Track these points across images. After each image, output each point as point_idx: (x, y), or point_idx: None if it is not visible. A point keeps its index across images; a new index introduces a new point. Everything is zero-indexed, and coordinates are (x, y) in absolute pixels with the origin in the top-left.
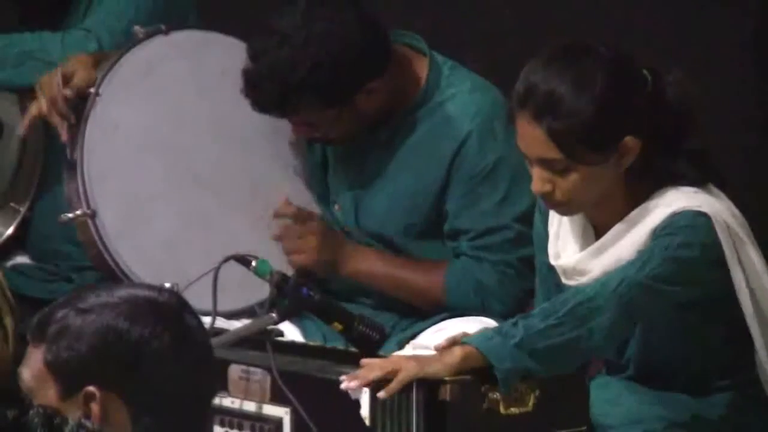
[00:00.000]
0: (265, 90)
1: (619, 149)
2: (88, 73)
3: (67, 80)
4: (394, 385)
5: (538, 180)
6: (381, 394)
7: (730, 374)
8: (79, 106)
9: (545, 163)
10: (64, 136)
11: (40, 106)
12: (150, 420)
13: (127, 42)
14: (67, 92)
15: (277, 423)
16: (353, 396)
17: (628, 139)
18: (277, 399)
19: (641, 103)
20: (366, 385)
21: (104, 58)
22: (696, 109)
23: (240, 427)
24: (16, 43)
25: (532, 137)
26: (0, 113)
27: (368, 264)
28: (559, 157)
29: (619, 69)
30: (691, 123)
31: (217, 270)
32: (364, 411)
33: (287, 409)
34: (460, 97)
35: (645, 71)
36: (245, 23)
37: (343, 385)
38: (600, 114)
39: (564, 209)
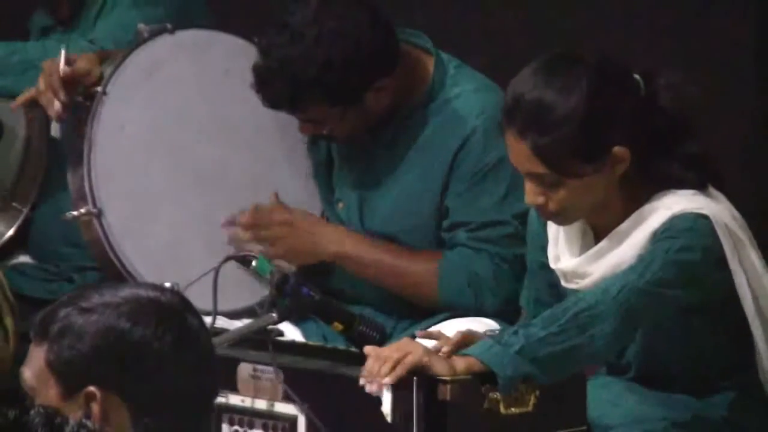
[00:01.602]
0: (275, 87)
1: (608, 159)
2: (92, 63)
3: (69, 63)
4: (399, 371)
5: (531, 193)
6: (386, 380)
7: (731, 375)
8: (85, 105)
9: (535, 177)
10: (51, 112)
11: (37, 86)
12: (150, 420)
13: (133, 41)
14: (64, 68)
15: (292, 421)
16: (375, 394)
17: (617, 149)
18: (290, 397)
19: (631, 111)
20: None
21: (109, 56)
22: (694, 110)
23: (251, 425)
24: (19, 51)
25: (519, 153)
26: (3, 116)
27: (355, 247)
28: (546, 172)
29: (604, 79)
30: (688, 126)
31: (217, 270)
32: (386, 408)
33: (303, 407)
34: (466, 96)
35: (637, 75)
36: (253, 23)
37: (366, 389)
38: (584, 128)
39: (560, 219)
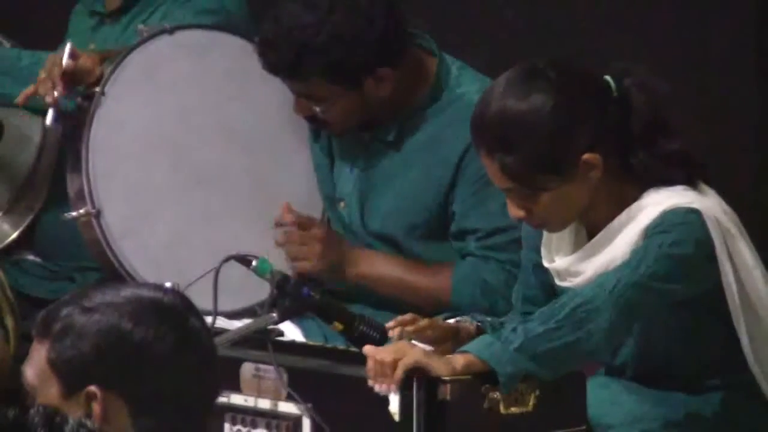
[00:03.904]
0: (281, 51)
1: (578, 168)
2: (94, 63)
3: (74, 57)
4: (398, 373)
5: (512, 208)
6: (396, 376)
7: (725, 372)
8: (84, 105)
9: (511, 192)
10: (48, 99)
11: (39, 77)
12: (151, 421)
13: (132, 41)
14: (68, 62)
15: (295, 420)
16: (384, 394)
17: (587, 157)
18: (293, 396)
19: (599, 116)
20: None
21: (110, 54)
22: (665, 106)
23: (254, 425)
24: (43, 62)
25: (491, 171)
26: (20, 123)
27: (374, 268)
28: (517, 187)
29: (566, 90)
30: (665, 123)
31: (217, 270)
32: (394, 408)
33: (306, 406)
34: (469, 97)
35: (608, 77)
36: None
37: (375, 389)
38: (548, 142)
39: (548, 228)
